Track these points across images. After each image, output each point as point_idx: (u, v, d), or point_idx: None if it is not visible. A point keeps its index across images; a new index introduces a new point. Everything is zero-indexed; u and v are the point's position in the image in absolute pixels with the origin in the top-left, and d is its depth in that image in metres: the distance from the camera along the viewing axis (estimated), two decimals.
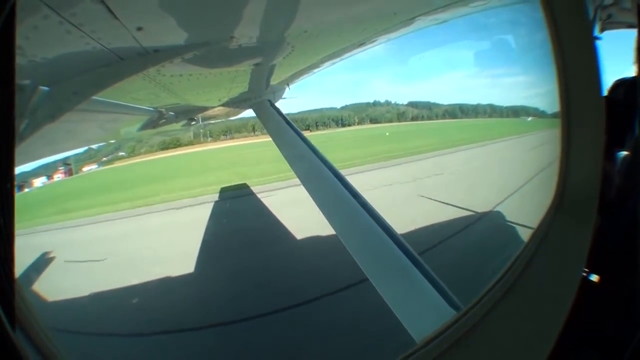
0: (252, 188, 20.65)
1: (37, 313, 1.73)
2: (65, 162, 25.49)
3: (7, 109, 1.27)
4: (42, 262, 11.64)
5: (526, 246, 2.36)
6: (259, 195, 18.81)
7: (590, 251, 2.17)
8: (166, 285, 9.78)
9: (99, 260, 11.84)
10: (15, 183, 1.36)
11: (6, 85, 1.28)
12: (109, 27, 2.50)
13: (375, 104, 39.18)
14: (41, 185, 24.41)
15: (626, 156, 2.80)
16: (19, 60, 2.40)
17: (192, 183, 23.07)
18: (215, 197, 19.98)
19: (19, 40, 2.16)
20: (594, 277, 2.54)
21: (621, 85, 3.22)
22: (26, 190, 22.26)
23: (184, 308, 8.60)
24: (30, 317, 1.69)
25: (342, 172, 4.99)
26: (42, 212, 18.49)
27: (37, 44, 2.37)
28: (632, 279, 2.46)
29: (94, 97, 3.93)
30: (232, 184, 22.07)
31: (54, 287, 9.74)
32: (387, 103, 38.96)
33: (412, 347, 2.20)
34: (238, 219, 16.13)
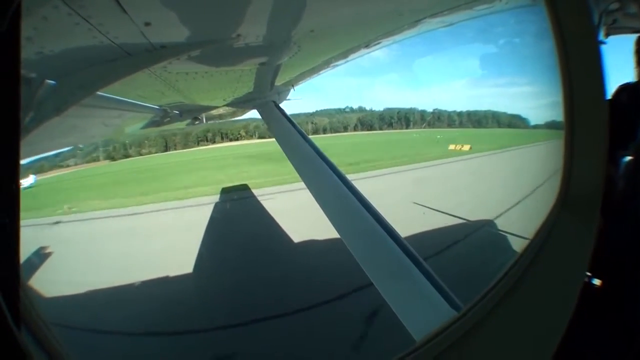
0: None
1: (41, 311, 1.73)
2: None
3: (13, 109, 1.26)
4: (38, 258, 11.58)
5: (528, 248, 2.36)
6: None
7: (593, 254, 2.16)
8: (166, 282, 9.81)
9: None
10: None
11: (12, 86, 1.26)
12: (117, 21, 2.51)
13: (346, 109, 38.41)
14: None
15: (630, 160, 2.80)
16: (27, 52, 2.42)
17: None
18: None
19: (28, 32, 2.17)
20: (597, 280, 2.54)
21: (625, 89, 3.22)
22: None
23: (184, 306, 8.63)
24: (35, 315, 1.69)
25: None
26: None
27: (45, 36, 2.38)
28: (634, 282, 2.46)
29: (99, 93, 3.94)
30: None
31: (52, 283, 9.74)
32: (361, 109, 38.30)
33: (412, 346, 2.19)
34: None
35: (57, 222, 16.66)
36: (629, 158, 2.83)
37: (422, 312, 3.16)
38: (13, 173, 1.26)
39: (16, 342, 1.28)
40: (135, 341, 7.64)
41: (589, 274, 2.48)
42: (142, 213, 18.42)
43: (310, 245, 11.36)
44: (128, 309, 8.78)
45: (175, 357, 7.19)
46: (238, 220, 16.27)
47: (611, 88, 3.36)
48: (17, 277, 1.33)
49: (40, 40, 2.42)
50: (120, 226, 16.62)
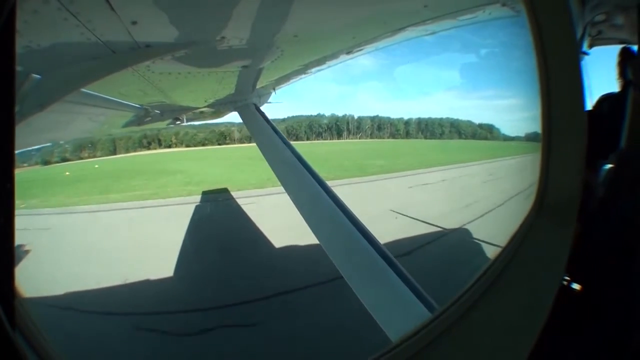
0: None
1: (34, 313, 1.72)
2: None
3: (7, 107, 1.26)
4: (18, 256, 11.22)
5: (502, 252, 2.39)
6: None
7: (574, 259, 2.22)
8: (156, 281, 9.71)
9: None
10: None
11: (6, 85, 1.26)
12: (104, 18, 2.52)
13: (319, 116, 37.96)
14: None
15: (610, 168, 2.89)
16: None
17: None
18: None
19: (17, 25, 2.19)
20: (573, 285, 2.60)
21: (607, 99, 3.32)
22: None
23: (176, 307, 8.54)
24: (27, 318, 1.67)
25: None
26: None
27: (34, 30, 2.38)
28: (610, 287, 2.54)
29: (83, 90, 3.93)
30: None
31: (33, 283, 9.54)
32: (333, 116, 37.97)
33: (387, 346, 2.22)
34: None
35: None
36: (609, 166, 2.92)
37: (398, 314, 3.20)
38: (7, 173, 1.26)
39: (11, 344, 1.27)
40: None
41: (568, 278, 2.54)
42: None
43: (289, 245, 11.34)
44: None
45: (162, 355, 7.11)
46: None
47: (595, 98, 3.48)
48: (12, 277, 1.32)
49: (29, 34, 2.43)
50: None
